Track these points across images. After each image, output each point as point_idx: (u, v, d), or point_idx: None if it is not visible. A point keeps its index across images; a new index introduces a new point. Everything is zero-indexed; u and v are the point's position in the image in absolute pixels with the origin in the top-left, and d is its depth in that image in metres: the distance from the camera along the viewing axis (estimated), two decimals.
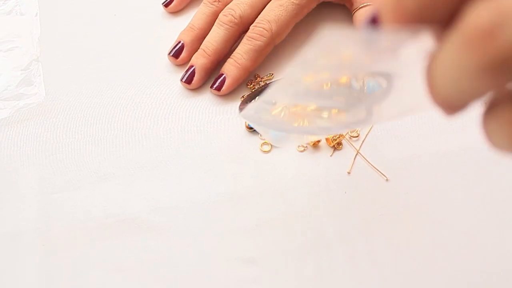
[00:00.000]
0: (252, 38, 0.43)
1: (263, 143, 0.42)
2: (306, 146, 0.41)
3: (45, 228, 0.39)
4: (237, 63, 0.43)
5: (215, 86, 0.43)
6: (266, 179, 0.40)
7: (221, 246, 0.38)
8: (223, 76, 0.43)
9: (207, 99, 0.45)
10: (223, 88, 0.43)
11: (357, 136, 0.42)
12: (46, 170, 0.41)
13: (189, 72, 0.44)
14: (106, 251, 0.38)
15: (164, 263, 0.37)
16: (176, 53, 0.46)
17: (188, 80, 0.44)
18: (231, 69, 0.43)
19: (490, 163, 0.40)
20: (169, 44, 0.47)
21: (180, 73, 0.45)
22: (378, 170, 0.40)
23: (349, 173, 0.40)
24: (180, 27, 0.47)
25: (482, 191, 0.39)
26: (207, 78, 0.45)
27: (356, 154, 0.41)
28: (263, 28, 0.43)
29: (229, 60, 0.44)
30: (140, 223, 0.39)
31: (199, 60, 0.44)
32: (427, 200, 0.39)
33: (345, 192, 0.39)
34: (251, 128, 0.42)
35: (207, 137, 0.43)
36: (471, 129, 0.41)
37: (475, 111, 0.19)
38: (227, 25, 0.44)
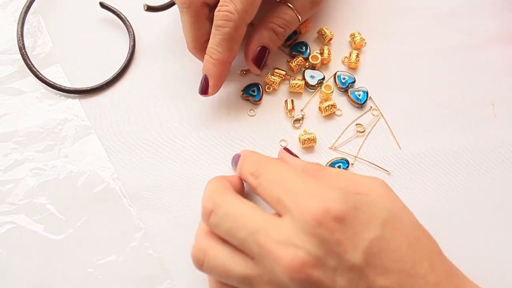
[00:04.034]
0: (219, 26, 0.38)
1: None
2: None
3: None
4: (212, 58, 0.39)
5: (200, 90, 0.40)
6: None
7: None
8: (204, 77, 0.40)
9: None
10: (209, 90, 0.40)
11: (362, 132, 0.42)
12: None
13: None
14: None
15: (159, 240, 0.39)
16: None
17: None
18: (209, 68, 0.39)
19: (489, 161, 0.41)
20: None
21: None
22: (379, 167, 0.41)
23: (352, 164, 0.41)
24: None
25: (481, 187, 0.40)
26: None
27: (355, 159, 0.41)
28: (227, 11, 0.37)
29: (205, 57, 0.40)
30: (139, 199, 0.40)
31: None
32: (427, 194, 0.40)
33: None
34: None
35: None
36: (471, 129, 0.42)
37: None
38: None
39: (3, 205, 0.39)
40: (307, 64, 0.44)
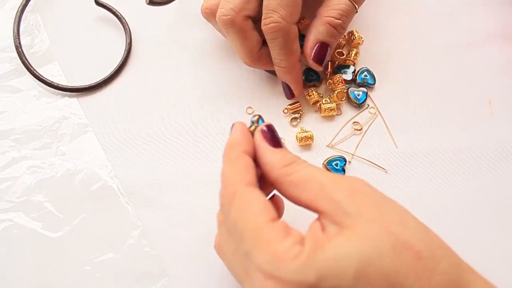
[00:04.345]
0: (272, 39, 0.38)
1: None
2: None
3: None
4: (281, 67, 0.40)
5: (286, 96, 0.42)
6: None
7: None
8: (284, 84, 0.41)
9: None
10: (295, 93, 0.42)
11: (360, 130, 0.42)
12: None
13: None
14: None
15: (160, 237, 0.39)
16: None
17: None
18: (283, 76, 0.41)
19: (486, 160, 0.41)
20: None
21: None
22: (376, 165, 0.41)
23: (349, 162, 0.41)
24: None
25: (478, 185, 0.40)
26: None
27: (352, 157, 0.41)
28: (273, 22, 0.37)
29: (275, 67, 0.41)
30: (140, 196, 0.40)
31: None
32: (424, 192, 0.40)
33: None
34: None
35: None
36: (468, 127, 0.42)
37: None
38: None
39: (0, 202, 0.39)
40: (337, 62, 0.44)
